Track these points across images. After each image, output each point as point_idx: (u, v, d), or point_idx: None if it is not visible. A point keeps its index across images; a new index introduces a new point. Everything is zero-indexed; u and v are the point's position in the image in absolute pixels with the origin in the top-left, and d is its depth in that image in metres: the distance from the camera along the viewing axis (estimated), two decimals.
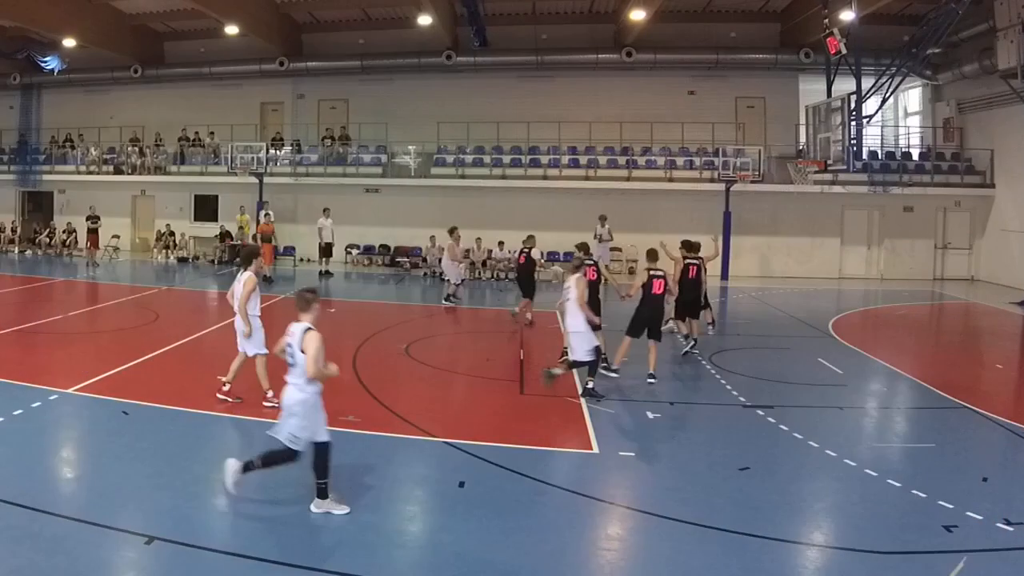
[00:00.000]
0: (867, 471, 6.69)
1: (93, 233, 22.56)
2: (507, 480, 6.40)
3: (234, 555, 4.98)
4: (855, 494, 6.31)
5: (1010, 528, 5.53)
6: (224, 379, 8.46)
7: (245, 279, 8.34)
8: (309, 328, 5.72)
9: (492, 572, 4.94)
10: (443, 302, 16.01)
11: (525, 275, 14.11)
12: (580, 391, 8.99)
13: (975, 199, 22.12)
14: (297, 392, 5.67)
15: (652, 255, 10.03)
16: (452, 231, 15.96)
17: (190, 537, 5.14)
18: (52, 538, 5.08)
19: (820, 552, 5.34)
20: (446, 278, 16.66)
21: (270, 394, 8.03)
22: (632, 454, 7.15)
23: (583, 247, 10.87)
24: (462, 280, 16.87)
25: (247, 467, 5.67)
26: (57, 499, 5.76)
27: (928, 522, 5.66)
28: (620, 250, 22.63)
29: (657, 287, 9.72)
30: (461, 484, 6.26)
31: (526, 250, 14.03)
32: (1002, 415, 8.48)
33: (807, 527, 5.74)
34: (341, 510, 5.58)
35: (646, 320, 9.88)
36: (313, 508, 5.58)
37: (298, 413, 5.61)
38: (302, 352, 5.63)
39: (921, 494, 6.15)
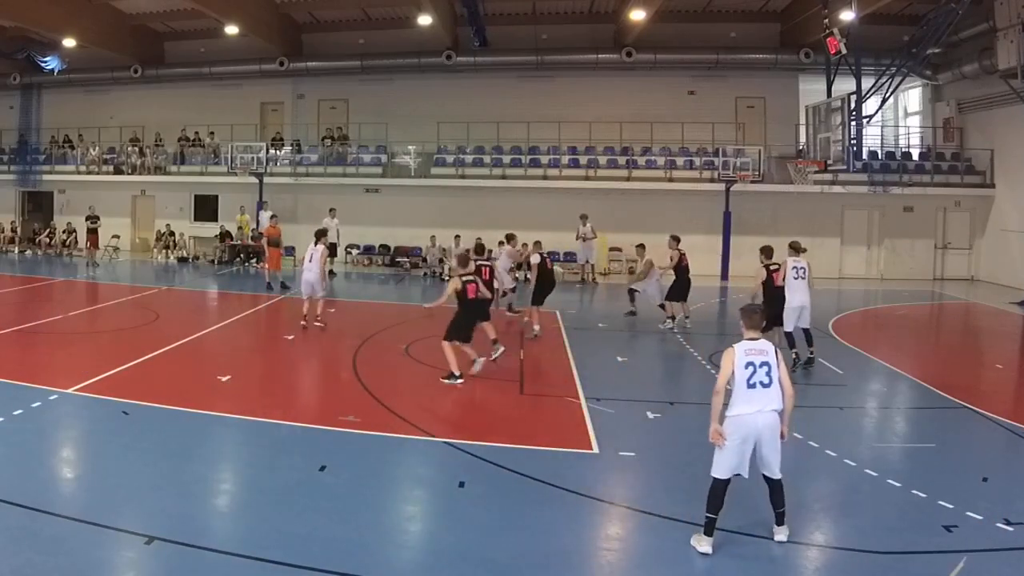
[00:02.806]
0: (867, 471, 6.69)
1: (93, 233, 22.56)
2: (507, 480, 6.39)
3: (234, 555, 4.98)
4: (855, 494, 6.31)
5: (1010, 528, 5.53)
6: (305, 318, 12.92)
7: (322, 250, 13.14)
8: (776, 346, 5.35)
9: (492, 572, 4.93)
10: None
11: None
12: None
13: (975, 199, 22.11)
14: (777, 417, 5.18)
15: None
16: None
17: (190, 537, 5.13)
18: (52, 538, 5.08)
19: (820, 552, 5.34)
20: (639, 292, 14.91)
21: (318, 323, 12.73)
22: (632, 454, 7.15)
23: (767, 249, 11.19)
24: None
25: (781, 520, 5.28)
26: (57, 499, 5.76)
27: (928, 522, 5.67)
28: (620, 250, 22.63)
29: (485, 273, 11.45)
30: (461, 484, 6.26)
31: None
32: (1002, 415, 8.48)
33: (807, 527, 5.73)
34: (788, 532, 5.28)
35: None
36: (780, 537, 5.27)
37: (774, 439, 5.19)
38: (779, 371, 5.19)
39: (921, 494, 6.15)
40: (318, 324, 12.95)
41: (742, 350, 5.24)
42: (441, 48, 23.91)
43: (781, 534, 5.31)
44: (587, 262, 21.57)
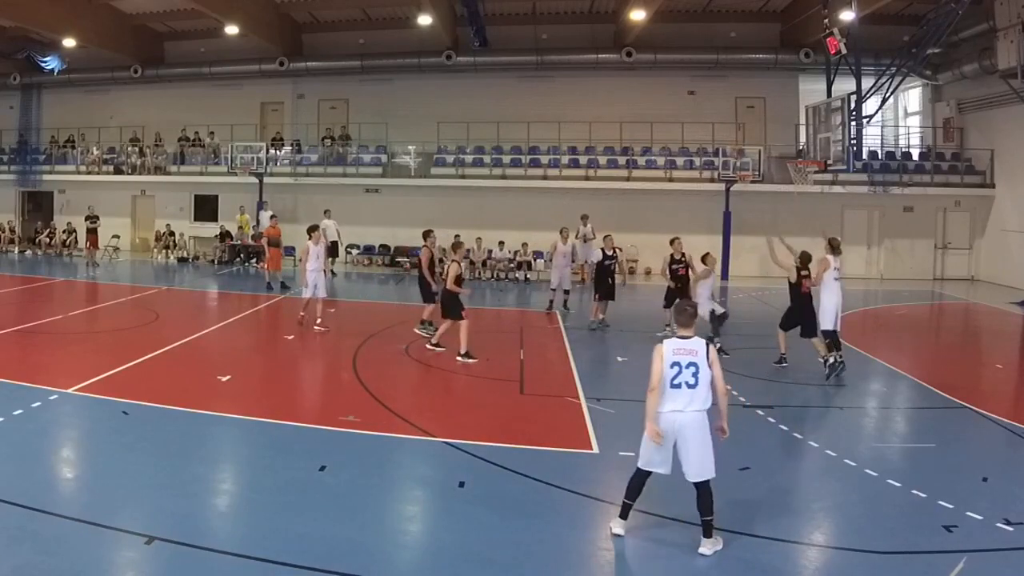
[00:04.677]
0: (867, 471, 6.69)
1: (92, 233, 22.54)
2: (507, 480, 6.40)
3: (234, 555, 4.98)
4: (855, 494, 6.31)
5: (1010, 528, 5.53)
6: (302, 314, 12.96)
7: (304, 247, 13.23)
8: (709, 344, 5.26)
9: (492, 572, 4.94)
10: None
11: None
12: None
13: (975, 199, 22.11)
14: (702, 417, 5.12)
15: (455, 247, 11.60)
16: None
17: (190, 537, 5.14)
18: (52, 538, 5.08)
19: (820, 552, 5.34)
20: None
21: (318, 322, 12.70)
22: (632, 454, 7.05)
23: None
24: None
25: (708, 531, 5.14)
26: (57, 499, 5.77)
27: (928, 522, 5.67)
28: (620, 250, 22.59)
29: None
30: (461, 484, 6.26)
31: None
32: (1002, 415, 8.49)
33: (807, 527, 5.74)
34: (717, 547, 5.14)
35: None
36: (704, 550, 5.09)
37: (708, 441, 5.13)
38: (709, 368, 5.12)
39: (921, 494, 6.15)
40: (316, 327, 12.68)
41: (671, 348, 5.20)
42: (441, 48, 23.90)
43: (706, 547, 5.10)
44: (586, 262, 21.59)
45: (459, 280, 10.99)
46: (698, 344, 5.19)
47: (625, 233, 21.42)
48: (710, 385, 5.15)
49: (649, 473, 5.30)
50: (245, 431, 7.69)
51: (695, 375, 5.09)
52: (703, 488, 5.15)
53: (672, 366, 5.14)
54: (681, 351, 5.16)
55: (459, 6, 22.37)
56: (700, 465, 5.11)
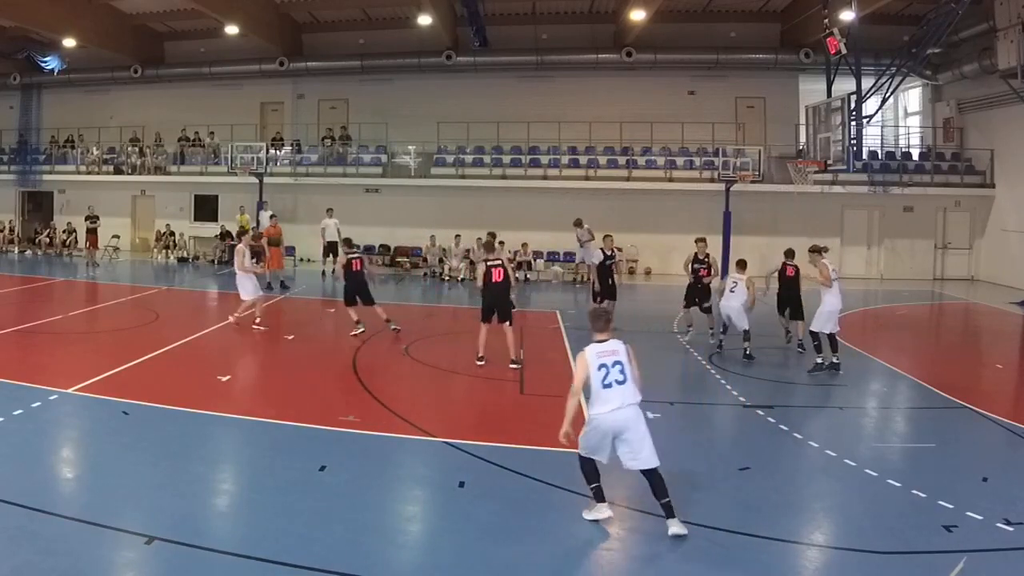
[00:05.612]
0: (867, 471, 6.69)
1: (92, 233, 22.55)
2: (507, 480, 6.40)
3: (234, 555, 4.98)
4: (855, 494, 6.31)
5: (1010, 528, 5.53)
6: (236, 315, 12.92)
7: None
8: (625, 343, 5.54)
9: (492, 572, 4.94)
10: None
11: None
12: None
13: (975, 199, 22.11)
14: (637, 410, 5.38)
15: (490, 247, 11.28)
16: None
17: (190, 537, 5.14)
18: (52, 538, 5.08)
19: (820, 552, 5.34)
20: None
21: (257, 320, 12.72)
22: None
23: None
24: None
25: (671, 512, 5.27)
26: (57, 499, 5.76)
27: (928, 522, 5.66)
28: (620, 250, 22.61)
29: (496, 275, 10.54)
30: (461, 484, 6.26)
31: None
32: (1002, 415, 8.48)
33: (807, 527, 5.74)
34: (681, 530, 5.26)
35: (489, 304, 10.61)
36: (675, 530, 5.23)
37: (647, 431, 5.36)
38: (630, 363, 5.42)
39: (921, 494, 6.14)
40: (255, 326, 12.73)
41: (593, 353, 5.45)
42: (441, 48, 23.90)
43: (675, 527, 5.24)
44: (583, 262, 21.59)
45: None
46: (617, 344, 5.48)
47: (625, 233, 21.45)
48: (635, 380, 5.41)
49: (593, 460, 5.49)
50: (245, 431, 7.69)
51: (622, 372, 5.37)
52: (654, 475, 5.32)
53: (599, 368, 5.38)
54: (604, 353, 5.44)
55: (459, 6, 22.36)
56: (647, 454, 5.31)
